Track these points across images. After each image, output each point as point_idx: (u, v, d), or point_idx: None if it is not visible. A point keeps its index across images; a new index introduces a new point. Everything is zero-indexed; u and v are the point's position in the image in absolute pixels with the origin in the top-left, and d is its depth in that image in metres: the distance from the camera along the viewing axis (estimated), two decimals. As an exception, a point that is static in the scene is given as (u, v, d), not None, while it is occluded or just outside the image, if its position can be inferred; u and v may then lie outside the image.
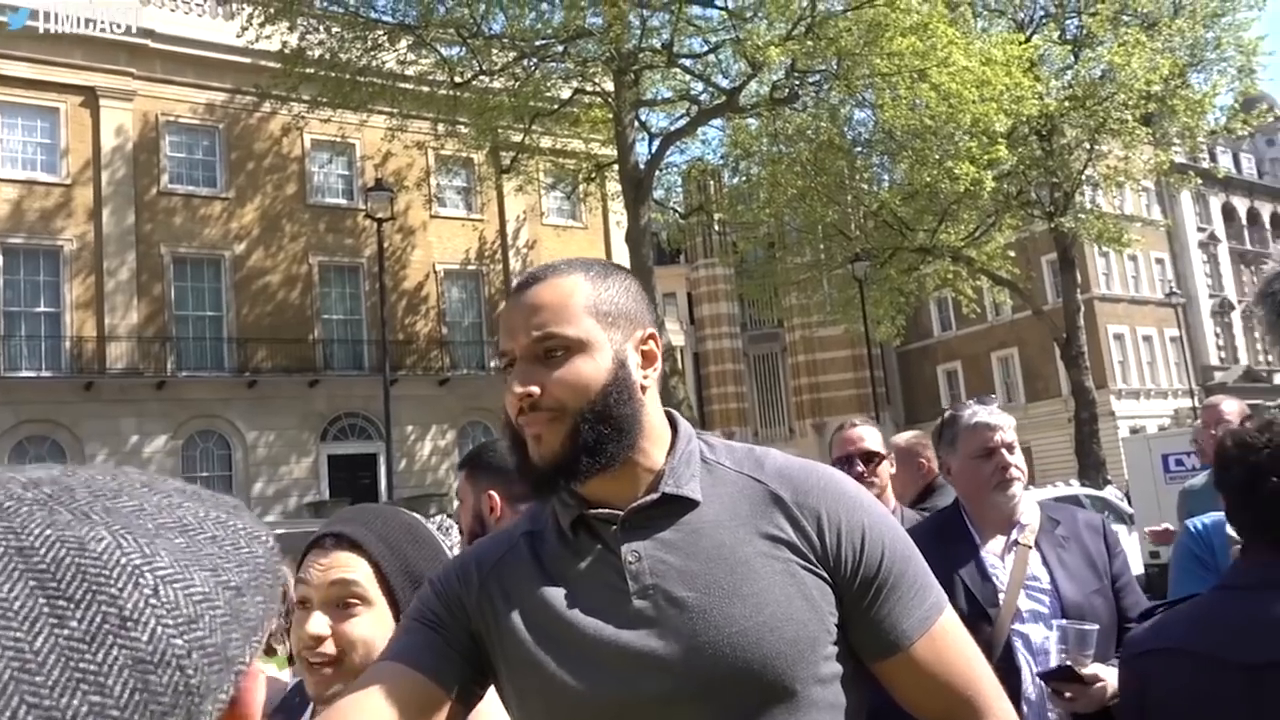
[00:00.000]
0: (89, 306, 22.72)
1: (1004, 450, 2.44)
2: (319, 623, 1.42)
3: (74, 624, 0.35)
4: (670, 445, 1.26)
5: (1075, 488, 16.79)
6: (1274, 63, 73.37)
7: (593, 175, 23.62)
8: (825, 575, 1.20)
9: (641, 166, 20.32)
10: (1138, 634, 1.78)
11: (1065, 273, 24.52)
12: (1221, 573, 2.05)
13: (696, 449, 1.27)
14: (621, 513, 1.21)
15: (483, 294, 27.84)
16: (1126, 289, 38.98)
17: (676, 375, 19.74)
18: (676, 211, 25.86)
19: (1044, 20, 23.91)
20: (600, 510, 1.22)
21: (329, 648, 1.42)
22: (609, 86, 20.17)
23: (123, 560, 0.37)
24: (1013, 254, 23.64)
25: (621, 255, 25.71)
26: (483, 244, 27.89)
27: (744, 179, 23.99)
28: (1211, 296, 42.88)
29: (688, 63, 20.68)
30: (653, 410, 1.25)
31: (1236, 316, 43.87)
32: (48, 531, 0.37)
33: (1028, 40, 20.95)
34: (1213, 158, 36.93)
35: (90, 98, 23.12)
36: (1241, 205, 46.54)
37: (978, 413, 2.53)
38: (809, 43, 17.99)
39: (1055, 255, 25.75)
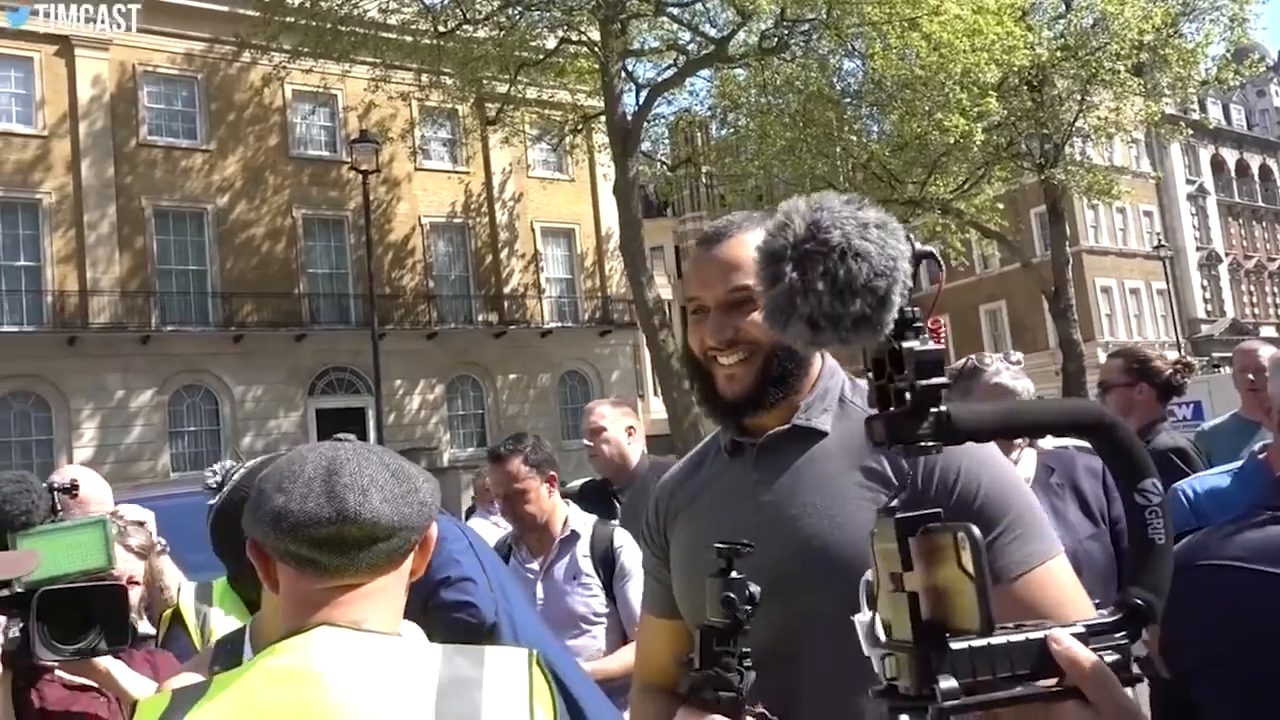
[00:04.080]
0: (70, 260, 22.45)
1: None
2: None
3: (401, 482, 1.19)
4: (814, 381, 1.46)
5: (1069, 439, 16.85)
6: (1266, 12, 72.87)
7: (579, 127, 23.32)
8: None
9: (629, 118, 20.06)
10: (1190, 546, 1.71)
11: (1054, 225, 24.44)
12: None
13: (837, 385, 1.47)
14: (760, 439, 1.43)
15: (469, 247, 27.60)
16: (1115, 241, 38.96)
17: (665, 328, 19.66)
18: (664, 164, 25.62)
19: (1036, -32, 23.56)
20: (745, 438, 1.45)
21: None
22: (595, 36, 19.83)
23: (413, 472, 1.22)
24: (1002, 206, 23.53)
25: (610, 207, 25.51)
26: (468, 197, 27.61)
27: (732, 131, 23.75)
28: (1199, 249, 42.91)
29: (675, 11, 20.34)
30: None
31: (1224, 269, 43.94)
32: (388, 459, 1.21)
33: (1020, -12, 20.66)
34: (1203, 109, 36.73)
35: (65, 47, 22.64)
36: (1230, 157, 46.41)
37: (1001, 372, 2.48)
38: (799, -10, 17.72)
39: (1044, 207, 25.67)
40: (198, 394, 23.71)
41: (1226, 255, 44.42)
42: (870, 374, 0.84)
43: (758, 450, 1.43)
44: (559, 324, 28.13)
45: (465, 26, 19.93)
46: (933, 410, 0.79)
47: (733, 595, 1.24)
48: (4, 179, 22.03)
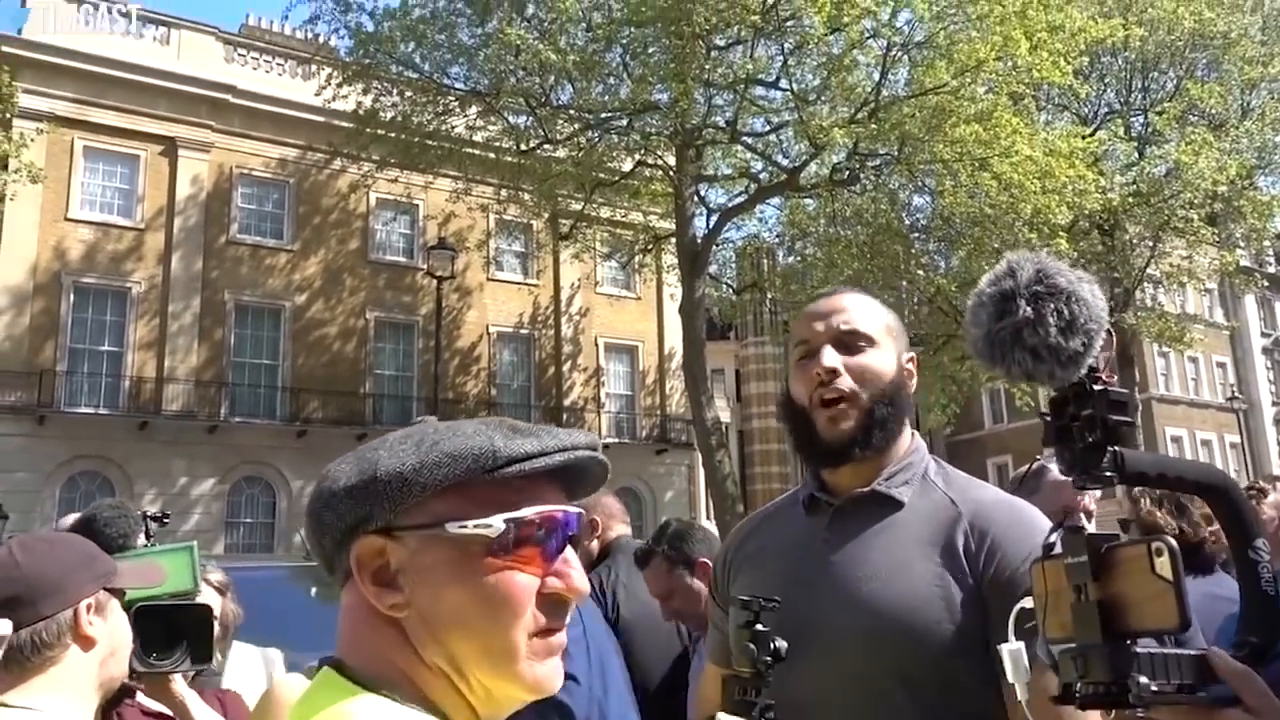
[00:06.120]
0: (151, 348, 23.23)
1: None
2: None
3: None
4: (902, 453, 1.50)
5: None
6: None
7: (649, 247, 23.81)
8: (979, 592, 1.35)
9: (698, 240, 20.46)
10: None
11: (1124, 370, 24.10)
12: None
13: (921, 463, 1.51)
14: (839, 500, 1.47)
15: (533, 358, 28.00)
16: (1186, 391, 38.17)
17: (722, 449, 19.59)
18: (730, 287, 25.93)
19: (1108, 117, 23.89)
20: (823, 495, 1.50)
21: None
22: (671, 160, 20.43)
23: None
24: (1070, 348, 23.26)
25: (674, 327, 25.79)
26: (536, 309, 28.16)
27: (799, 259, 24.01)
28: (1275, 404, 41.80)
29: (750, 140, 20.91)
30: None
31: (1300, 426, 42.64)
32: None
33: (1092, 135, 20.90)
34: (1279, 261, 36.32)
35: (170, 147, 23.94)
36: (1308, 313, 45.54)
37: None
38: (872, 126, 18.11)
39: (1114, 352, 25.40)
40: (257, 485, 24.03)
41: (1304, 412, 43.16)
42: (1049, 414, 0.94)
43: (835, 510, 1.48)
44: (616, 440, 28.15)
45: (546, 146, 20.68)
46: (1110, 448, 0.87)
47: (754, 647, 1.29)
48: (99, 267, 23.06)
